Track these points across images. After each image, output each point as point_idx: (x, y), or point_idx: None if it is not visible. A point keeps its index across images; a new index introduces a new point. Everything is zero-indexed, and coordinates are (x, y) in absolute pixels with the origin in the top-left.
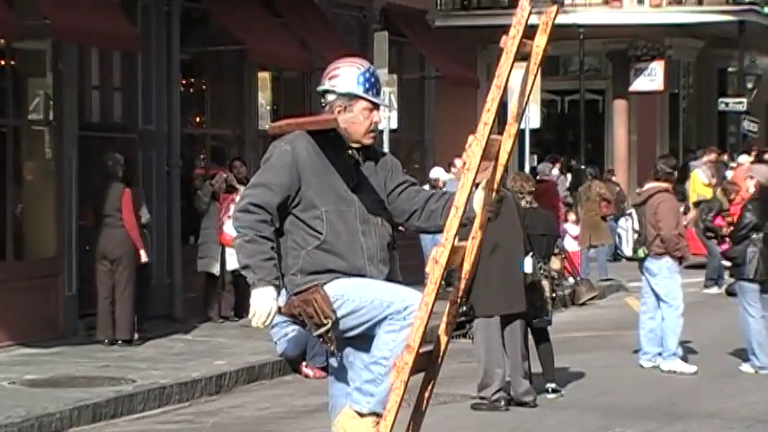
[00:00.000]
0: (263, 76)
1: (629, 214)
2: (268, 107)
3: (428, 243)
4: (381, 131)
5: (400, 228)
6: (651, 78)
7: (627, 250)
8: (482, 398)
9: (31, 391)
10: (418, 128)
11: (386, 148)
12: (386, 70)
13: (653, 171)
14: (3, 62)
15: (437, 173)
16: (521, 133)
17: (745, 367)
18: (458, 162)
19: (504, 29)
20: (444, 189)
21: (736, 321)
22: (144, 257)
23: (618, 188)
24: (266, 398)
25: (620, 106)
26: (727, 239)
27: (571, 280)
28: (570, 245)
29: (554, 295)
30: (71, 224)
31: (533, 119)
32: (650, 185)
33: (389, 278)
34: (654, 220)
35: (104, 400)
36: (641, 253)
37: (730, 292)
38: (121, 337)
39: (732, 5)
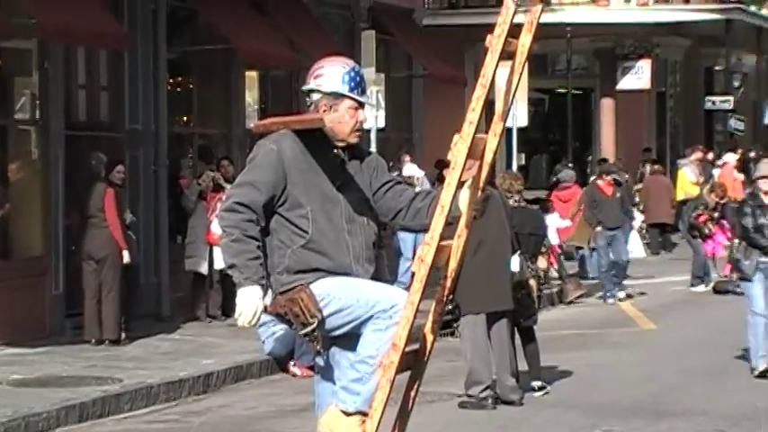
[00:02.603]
0: (251, 76)
1: None
2: (255, 106)
3: (407, 244)
4: (368, 130)
5: (386, 227)
6: (638, 77)
7: None
8: (469, 396)
9: (18, 390)
10: (406, 127)
11: (373, 148)
12: (373, 69)
13: None
14: None
15: (411, 170)
16: (508, 132)
17: None
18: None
19: (491, 27)
20: (419, 186)
21: (722, 319)
22: (126, 258)
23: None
24: (254, 397)
25: (607, 104)
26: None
27: (555, 273)
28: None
29: (540, 294)
30: (58, 224)
31: (521, 117)
32: None
33: (375, 277)
34: None
35: (91, 399)
36: None
37: (717, 290)
38: (108, 336)
39: (719, 4)
